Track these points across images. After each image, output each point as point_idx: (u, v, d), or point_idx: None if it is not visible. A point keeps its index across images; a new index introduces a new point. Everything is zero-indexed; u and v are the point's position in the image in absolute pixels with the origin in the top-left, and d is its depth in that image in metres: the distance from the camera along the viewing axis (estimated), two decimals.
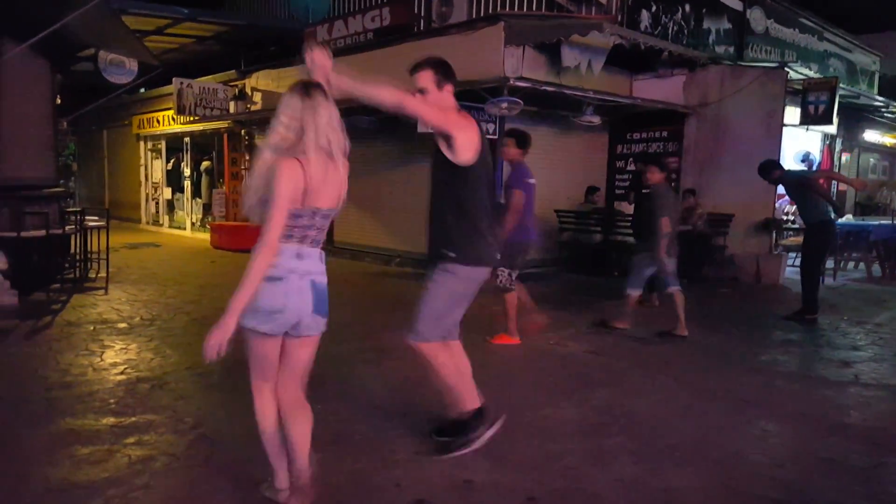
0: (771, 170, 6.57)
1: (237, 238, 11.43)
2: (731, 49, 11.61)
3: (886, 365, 4.85)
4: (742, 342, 5.53)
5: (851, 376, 4.51)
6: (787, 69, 9.12)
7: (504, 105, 7.50)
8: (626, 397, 3.91)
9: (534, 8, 9.60)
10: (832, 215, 6.79)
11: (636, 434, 3.33)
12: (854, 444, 3.30)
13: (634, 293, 5.72)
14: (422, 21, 10.17)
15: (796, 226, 10.35)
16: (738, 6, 11.75)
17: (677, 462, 3.02)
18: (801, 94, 9.36)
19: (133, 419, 3.41)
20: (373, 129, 9.11)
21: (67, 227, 7.40)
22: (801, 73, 9.68)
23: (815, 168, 12.85)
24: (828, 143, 12.81)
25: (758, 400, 3.95)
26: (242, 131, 12.52)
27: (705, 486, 2.80)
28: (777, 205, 9.63)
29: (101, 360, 4.52)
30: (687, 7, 10.66)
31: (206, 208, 13.95)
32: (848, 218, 11.03)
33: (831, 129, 11.31)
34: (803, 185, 6.38)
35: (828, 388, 4.23)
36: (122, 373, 4.23)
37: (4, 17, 5.80)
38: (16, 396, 3.76)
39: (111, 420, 3.39)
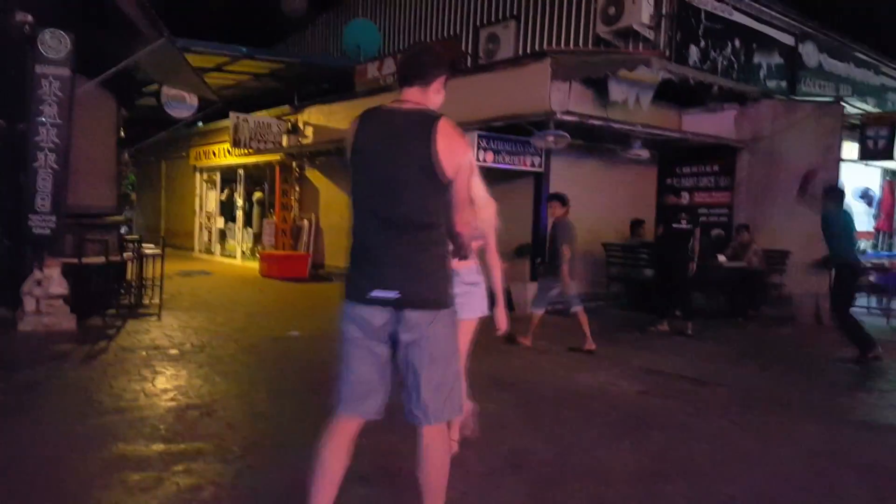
0: (829, 197, 6.35)
1: (285, 267, 11.67)
2: (783, 84, 11.40)
3: None
4: (804, 386, 5.25)
5: None
6: (843, 104, 8.86)
7: (550, 138, 7.50)
8: (683, 441, 3.74)
9: (580, 45, 9.67)
10: (856, 258, 6.53)
11: (694, 481, 3.17)
12: None
13: (538, 312, 6.43)
14: (468, 58, 10.35)
15: None
16: (790, 41, 11.56)
17: None
18: (860, 128, 9.06)
19: (182, 446, 3.44)
20: None
21: (125, 255, 7.69)
22: (857, 108, 9.38)
23: (875, 204, 12.35)
24: (888, 178, 12.31)
25: (826, 449, 3.71)
26: (294, 164, 12.88)
27: None
28: None
29: (153, 385, 4.61)
30: (737, 42, 10.55)
31: (257, 238, 14.32)
32: None
33: (892, 164, 10.87)
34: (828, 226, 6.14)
35: None
36: (172, 399, 4.29)
37: (78, 55, 6.17)
38: (71, 420, 3.85)
39: (161, 447, 3.43)
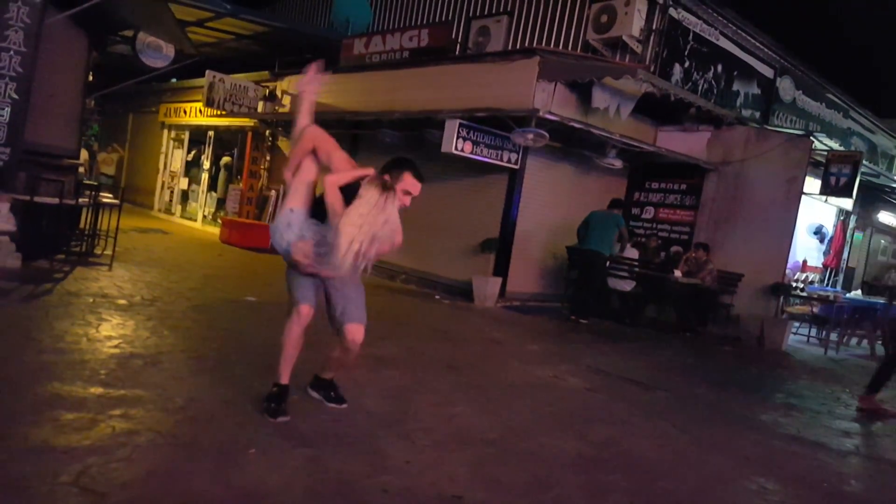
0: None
1: (247, 235, 11.42)
2: (758, 114, 11.74)
3: (888, 441, 4.74)
4: (742, 400, 5.42)
5: (852, 447, 4.40)
6: (812, 138, 9.17)
7: (530, 136, 7.54)
8: (624, 437, 3.82)
9: (570, 49, 9.75)
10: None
11: (632, 474, 3.23)
12: None
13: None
14: (458, 46, 10.32)
15: (804, 294, 10.28)
16: (770, 73, 11.91)
17: None
18: (824, 165, 9.40)
19: (122, 392, 3.34)
20: (396, 144, 9.17)
21: (81, 200, 7.40)
22: (825, 145, 9.73)
23: (826, 242, 12.85)
24: (842, 218, 12.82)
25: (757, 457, 3.84)
26: (267, 132, 12.63)
27: None
28: (787, 271, 9.57)
29: (97, 331, 4.46)
30: (719, 67, 10.81)
31: (220, 203, 14.00)
32: (857, 294, 10.95)
33: (848, 204, 11.32)
34: None
35: (828, 455, 4.12)
36: (116, 346, 4.16)
37: None
38: (6, 355, 3.69)
39: (99, 390, 3.32)
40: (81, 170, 12.98)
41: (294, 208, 3.16)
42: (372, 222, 2.86)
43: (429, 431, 3.37)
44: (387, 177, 3.13)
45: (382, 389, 3.99)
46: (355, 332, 3.25)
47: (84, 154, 13.47)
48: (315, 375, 3.61)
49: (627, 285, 9.08)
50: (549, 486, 2.93)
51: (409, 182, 3.16)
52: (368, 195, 2.91)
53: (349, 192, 3.02)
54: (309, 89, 3.39)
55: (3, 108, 5.80)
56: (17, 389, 3.18)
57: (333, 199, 3.02)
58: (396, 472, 2.84)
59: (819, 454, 4.13)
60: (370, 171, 3.16)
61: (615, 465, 3.34)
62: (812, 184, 9.61)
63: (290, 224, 3.12)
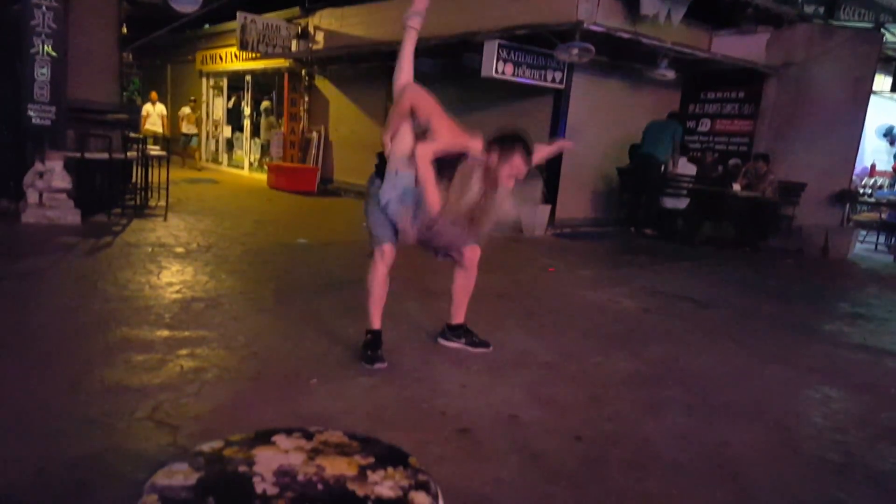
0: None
1: (293, 179, 11.54)
2: (822, 9, 10.73)
3: None
4: (805, 312, 5.25)
5: None
6: (883, 31, 8.37)
7: (575, 51, 7.15)
8: (682, 354, 3.76)
9: None
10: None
11: (691, 389, 3.20)
12: None
13: None
14: None
15: (872, 200, 9.71)
16: None
17: (734, 418, 2.88)
18: None
19: (186, 333, 3.48)
20: (434, 73, 8.90)
21: (129, 154, 7.57)
22: None
23: None
24: None
25: (820, 367, 3.74)
26: (303, 71, 12.48)
27: (763, 443, 2.67)
28: (854, 177, 9.01)
29: (158, 278, 4.64)
30: None
31: (265, 148, 14.11)
32: None
33: None
34: None
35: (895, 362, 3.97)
36: (177, 291, 4.32)
37: None
38: (76, 305, 3.89)
39: (165, 333, 3.47)
40: (158, 128, 13.14)
41: (399, 171, 2.97)
42: (470, 210, 2.73)
43: (482, 357, 3.40)
44: (493, 157, 2.81)
45: (435, 320, 4.01)
46: (474, 252, 3.25)
47: (161, 108, 13.61)
48: (445, 325, 3.51)
49: (682, 203, 8.76)
50: (605, 403, 2.94)
51: (517, 163, 2.82)
52: (470, 185, 2.71)
53: (447, 165, 2.79)
54: (415, 21, 3.16)
55: (43, 67, 5.88)
56: (89, 336, 3.36)
57: (425, 172, 2.76)
58: (453, 395, 2.89)
59: (886, 360, 3.99)
60: (475, 144, 2.88)
61: (673, 380, 3.30)
62: (882, 81, 8.86)
63: (395, 186, 2.97)
